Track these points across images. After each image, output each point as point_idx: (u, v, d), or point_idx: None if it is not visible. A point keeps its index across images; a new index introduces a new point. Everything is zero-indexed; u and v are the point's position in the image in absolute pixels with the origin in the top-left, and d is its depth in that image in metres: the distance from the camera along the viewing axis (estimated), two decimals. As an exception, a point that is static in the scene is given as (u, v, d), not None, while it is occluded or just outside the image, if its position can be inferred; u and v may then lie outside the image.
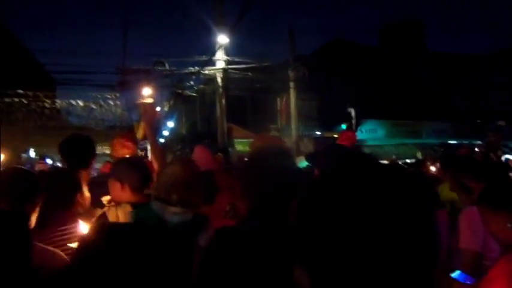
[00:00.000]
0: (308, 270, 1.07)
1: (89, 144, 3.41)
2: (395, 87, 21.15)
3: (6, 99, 12.56)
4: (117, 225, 1.73)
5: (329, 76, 19.95)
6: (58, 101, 14.38)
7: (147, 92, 3.72)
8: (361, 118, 16.56)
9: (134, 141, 4.74)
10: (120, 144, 4.36)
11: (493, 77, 23.28)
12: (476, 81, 23.02)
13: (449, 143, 16.35)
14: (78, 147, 3.27)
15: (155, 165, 3.30)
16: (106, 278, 1.18)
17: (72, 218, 2.43)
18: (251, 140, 18.31)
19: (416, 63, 23.05)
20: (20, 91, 12.72)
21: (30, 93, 12.78)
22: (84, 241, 1.39)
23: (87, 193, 2.90)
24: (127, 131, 15.36)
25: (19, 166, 2.79)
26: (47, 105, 14.13)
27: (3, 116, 14.27)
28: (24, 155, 15.57)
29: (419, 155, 13.96)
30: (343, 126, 13.80)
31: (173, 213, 2.29)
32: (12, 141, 17.90)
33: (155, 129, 3.84)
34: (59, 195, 2.52)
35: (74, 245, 2.03)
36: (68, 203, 2.57)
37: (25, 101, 12.87)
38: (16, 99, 12.74)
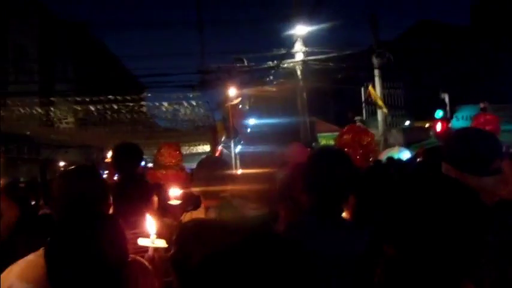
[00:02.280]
0: (395, 245, 1.21)
1: (135, 151, 3.50)
2: (491, 68, 19.19)
3: (99, 106, 13.27)
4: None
5: (417, 62, 18.62)
6: (144, 104, 14.93)
7: (232, 93, 3.84)
8: (455, 104, 15.18)
9: (180, 150, 5.10)
10: (168, 153, 4.64)
11: None
12: None
13: None
14: (125, 154, 3.40)
15: None
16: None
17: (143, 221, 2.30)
18: (335, 133, 17.76)
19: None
20: (111, 97, 13.36)
21: (120, 98, 13.37)
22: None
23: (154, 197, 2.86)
24: (211, 131, 15.58)
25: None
26: (135, 109, 14.75)
27: (96, 121, 15.18)
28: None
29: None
30: (438, 114, 12.62)
31: (251, 209, 2.62)
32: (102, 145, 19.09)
33: (243, 127, 3.86)
34: (133, 199, 2.53)
35: (143, 241, 2.04)
36: (140, 207, 2.51)
37: (115, 106, 13.50)
38: (107, 106, 13.41)
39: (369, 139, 7.12)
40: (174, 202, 3.48)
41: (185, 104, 13.50)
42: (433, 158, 3.26)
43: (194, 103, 13.24)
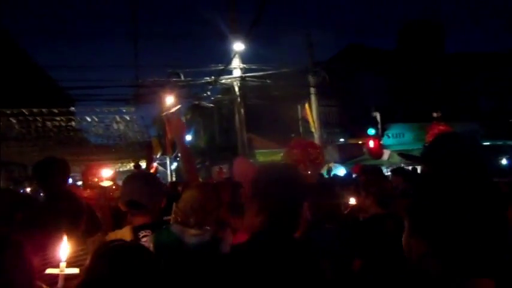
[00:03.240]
0: (426, 239, 1.15)
1: (61, 166, 3.28)
2: (418, 89, 20.35)
3: (20, 118, 12.27)
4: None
5: (349, 81, 19.30)
6: (73, 118, 14.05)
7: (170, 101, 3.75)
8: (386, 122, 15.84)
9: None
10: (95, 174, 4.59)
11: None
12: (502, 79, 22.01)
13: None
14: (50, 169, 3.18)
15: (187, 176, 3.39)
16: None
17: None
18: (273, 150, 17.84)
19: (437, 65, 22.23)
20: (35, 110, 12.43)
21: (45, 111, 12.46)
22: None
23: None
24: (145, 147, 14.98)
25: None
26: (62, 123, 13.83)
27: (18, 136, 14.03)
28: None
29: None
30: (370, 131, 13.09)
31: (191, 235, 2.48)
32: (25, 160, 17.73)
33: (183, 138, 3.68)
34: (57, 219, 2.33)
35: (52, 270, 1.81)
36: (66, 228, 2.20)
37: (39, 119, 12.56)
38: (30, 118, 12.44)
39: (317, 152, 6.94)
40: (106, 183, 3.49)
41: (118, 118, 12.88)
42: (371, 175, 3.27)
43: (128, 118, 12.66)
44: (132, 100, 12.40)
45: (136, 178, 2.90)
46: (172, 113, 3.67)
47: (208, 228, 2.55)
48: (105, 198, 3.62)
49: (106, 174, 3.50)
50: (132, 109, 12.70)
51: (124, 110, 12.49)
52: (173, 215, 2.71)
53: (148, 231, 2.57)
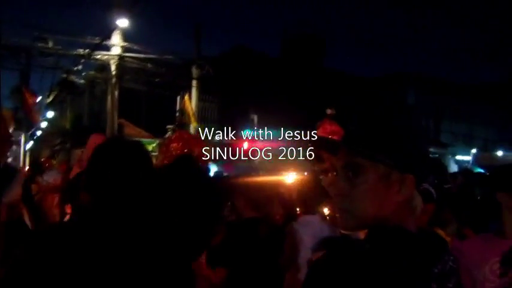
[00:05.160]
0: None
1: None
2: (293, 98, 21.26)
3: None
4: None
5: (232, 81, 19.31)
6: None
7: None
8: (262, 125, 16.17)
9: None
10: None
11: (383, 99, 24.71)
12: (366, 103, 24.17)
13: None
14: None
15: None
16: None
17: None
18: (147, 139, 16.94)
19: (313, 78, 23.55)
20: None
21: None
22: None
23: None
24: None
25: None
26: None
27: None
28: None
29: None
30: (245, 132, 13.18)
31: None
32: None
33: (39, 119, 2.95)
34: None
35: None
36: None
37: None
38: None
39: (201, 149, 6.43)
40: None
41: None
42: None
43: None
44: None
45: None
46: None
47: None
48: None
49: None
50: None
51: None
52: None
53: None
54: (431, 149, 20.43)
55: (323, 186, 1.83)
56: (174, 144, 2.97)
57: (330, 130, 2.17)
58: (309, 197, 2.73)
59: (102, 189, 1.42)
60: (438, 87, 26.50)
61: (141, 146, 1.57)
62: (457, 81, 30.79)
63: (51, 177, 6.56)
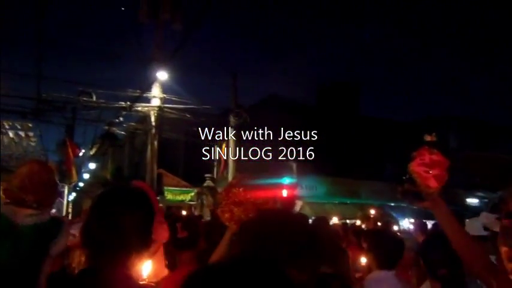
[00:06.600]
0: None
1: None
2: (332, 146, 20.97)
3: None
4: None
5: (269, 129, 19.31)
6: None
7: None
8: (301, 173, 15.90)
9: None
10: None
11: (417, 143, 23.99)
12: (406, 147, 23.51)
13: (389, 205, 16.06)
14: None
15: None
16: None
17: None
18: (183, 188, 16.88)
19: (350, 125, 23.31)
20: None
21: None
22: None
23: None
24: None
25: None
26: None
27: None
28: None
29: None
30: (284, 180, 12.87)
31: (26, 215, 2.23)
32: None
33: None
34: None
35: None
36: None
37: None
38: None
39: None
40: None
41: (10, 134, 11.30)
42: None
43: (22, 134, 11.12)
44: (31, 114, 10.94)
45: None
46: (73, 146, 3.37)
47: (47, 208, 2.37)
48: None
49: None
50: (29, 125, 11.19)
51: (18, 127, 10.93)
52: (6, 195, 2.34)
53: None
54: (480, 193, 19.40)
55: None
56: (235, 189, 2.46)
57: (429, 160, 1.88)
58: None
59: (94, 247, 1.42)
60: (480, 130, 25.70)
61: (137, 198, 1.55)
62: (501, 124, 29.70)
63: (77, 231, 6.42)
